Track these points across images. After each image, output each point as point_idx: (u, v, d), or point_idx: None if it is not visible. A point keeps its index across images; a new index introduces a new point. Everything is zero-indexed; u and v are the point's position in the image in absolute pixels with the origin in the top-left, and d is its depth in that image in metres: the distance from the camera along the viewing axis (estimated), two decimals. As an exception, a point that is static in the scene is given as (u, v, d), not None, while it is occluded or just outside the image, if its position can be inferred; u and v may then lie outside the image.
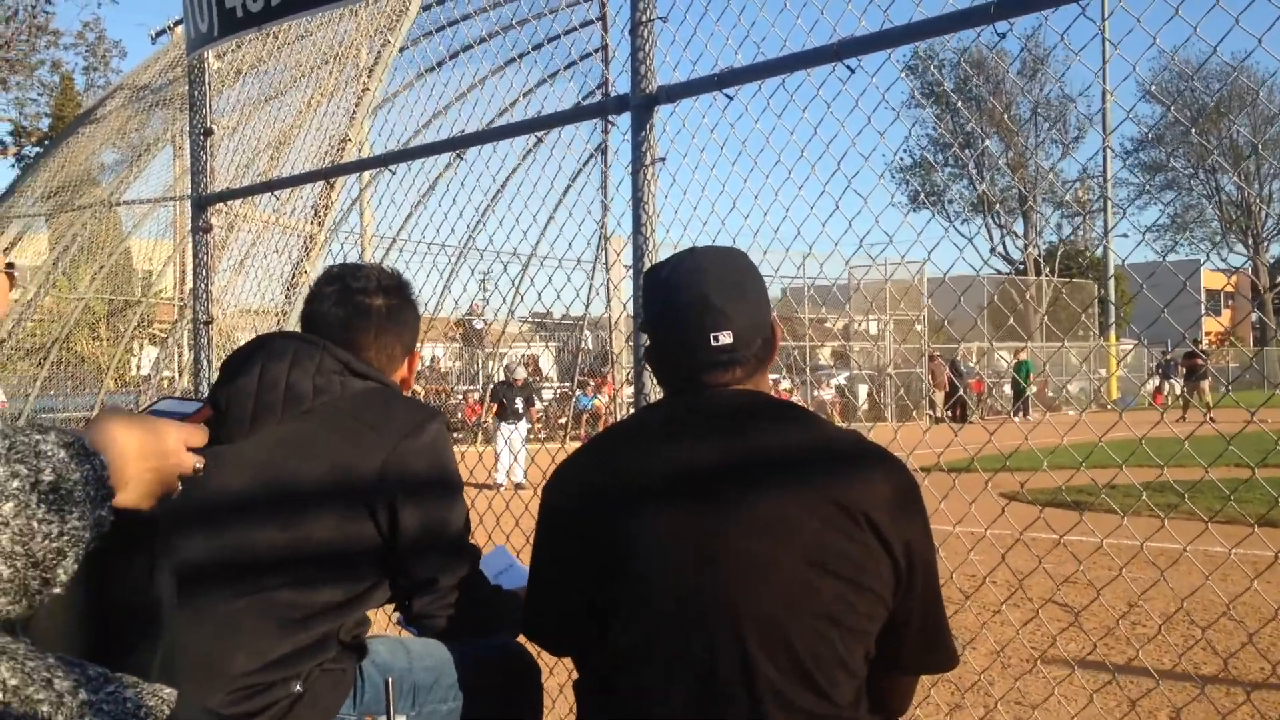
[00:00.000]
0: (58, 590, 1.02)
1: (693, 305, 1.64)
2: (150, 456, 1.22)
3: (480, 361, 20.89)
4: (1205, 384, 22.57)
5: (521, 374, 14.95)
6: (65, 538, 1.01)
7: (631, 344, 3.06)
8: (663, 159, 2.93)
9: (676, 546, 1.55)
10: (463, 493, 2.04)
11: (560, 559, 1.68)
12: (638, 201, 2.91)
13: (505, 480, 13.27)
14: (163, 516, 1.32)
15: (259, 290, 5.69)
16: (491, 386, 15.92)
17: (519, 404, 14.19)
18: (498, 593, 2.09)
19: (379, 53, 6.04)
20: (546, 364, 22.75)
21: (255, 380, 1.92)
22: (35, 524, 0.98)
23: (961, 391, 18.74)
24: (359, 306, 2.08)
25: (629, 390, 13.02)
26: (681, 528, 1.55)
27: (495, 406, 14.38)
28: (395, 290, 2.14)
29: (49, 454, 1.02)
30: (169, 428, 1.27)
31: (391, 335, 2.11)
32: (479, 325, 20.60)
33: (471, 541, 2.04)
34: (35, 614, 1.22)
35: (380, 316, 2.10)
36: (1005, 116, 36.07)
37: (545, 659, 2.02)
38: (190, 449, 1.31)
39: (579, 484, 1.70)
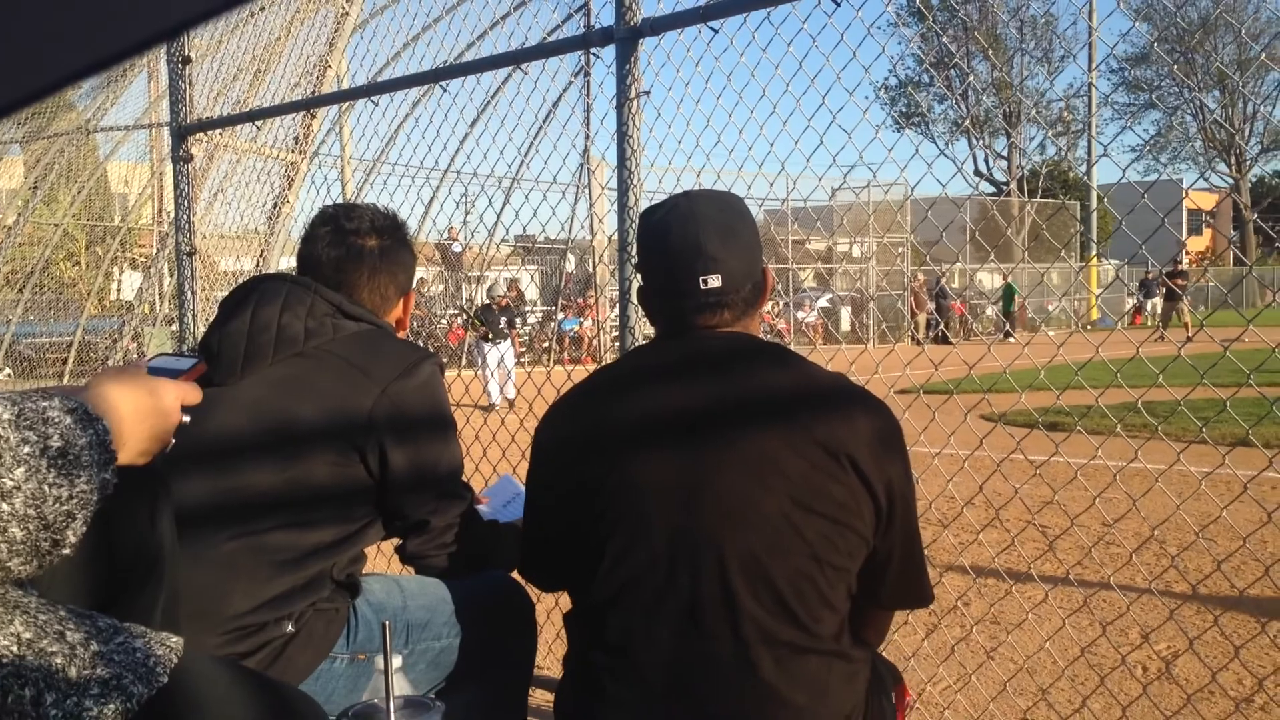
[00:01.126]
0: (67, 551, 1.05)
1: (684, 249, 1.67)
2: (148, 416, 1.25)
3: (460, 285, 20.81)
4: (1184, 304, 22.71)
5: (501, 291, 15.02)
6: (74, 500, 1.04)
7: (615, 273, 3.07)
8: (647, 92, 2.93)
9: (664, 486, 1.59)
10: (455, 433, 2.05)
11: (552, 499, 1.73)
12: (622, 135, 2.91)
13: (500, 399, 13.47)
14: (175, 456, 1.35)
15: (240, 217, 5.66)
16: (474, 308, 15.98)
17: (502, 324, 14.29)
18: (493, 530, 2.13)
19: (358, -25, 5.95)
20: (529, 288, 22.70)
21: (246, 323, 1.93)
22: (46, 488, 1.00)
23: (942, 320, 18.86)
24: (352, 248, 2.08)
25: (614, 313, 13.05)
26: (669, 468, 1.60)
27: (479, 326, 14.47)
28: (389, 231, 2.14)
29: (55, 420, 1.04)
30: (165, 386, 1.29)
31: (385, 276, 2.11)
32: (457, 249, 20.48)
33: (464, 481, 2.07)
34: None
35: (373, 257, 2.09)
36: (991, 39, 35.72)
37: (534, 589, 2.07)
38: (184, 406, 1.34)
39: (570, 425, 1.74)
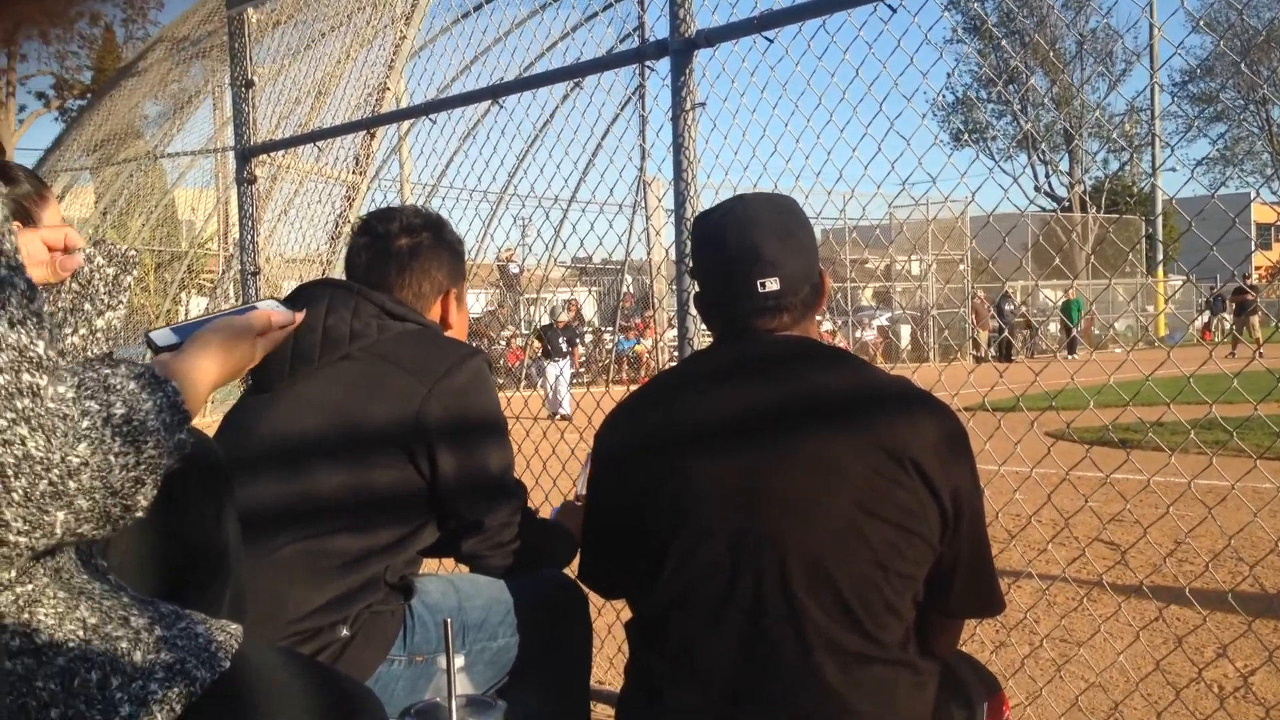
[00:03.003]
0: (140, 514, 1.05)
1: (741, 252, 1.65)
2: (227, 376, 1.29)
3: (522, 307, 20.96)
4: (1255, 319, 22.21)
5: (564, 316, 15.51)
6: (142, 466, 1.03)
7: (674, 288, 3.06)
8: (703, 104, 2.92)
9: (726, 490, 1.57)
10: (506, 431, 2.04)
11: (612, 504, 1.71)
12: (678, 147, 2.90)
13: (557, 411, 13.95)
14: (230, 461, 1.36)
15: (303, 239, 5.75)
16: (536, 329, 16.58)
17: (562, 343, 15.12)
18: (545, 528, 2.11)
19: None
20: (589, 309, 22.79)
21: None
22: (111, 458, 1.00)
23: (1006, 332, 18.62)
24: (382, 248, 2.09)
25: (671, 334, 13.09)
26: (730, 471, 1.57)
27: (541, 346, 15.31)
28: (421, 229, 2.13)
29: (118, 387, 1.04)
30: (250, 353, 1.32)
31: (417, 273, 2.10)
32: (514, 270, 20.65)
33: (517, 479, 2.05)
34: (115, 548, 1.26)
35: (402, 256, 2.09)
36: (1050, 52, 35.36)
37: (595, 599, 2.05)
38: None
39: (630, 430, 1.72)
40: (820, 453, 1.55)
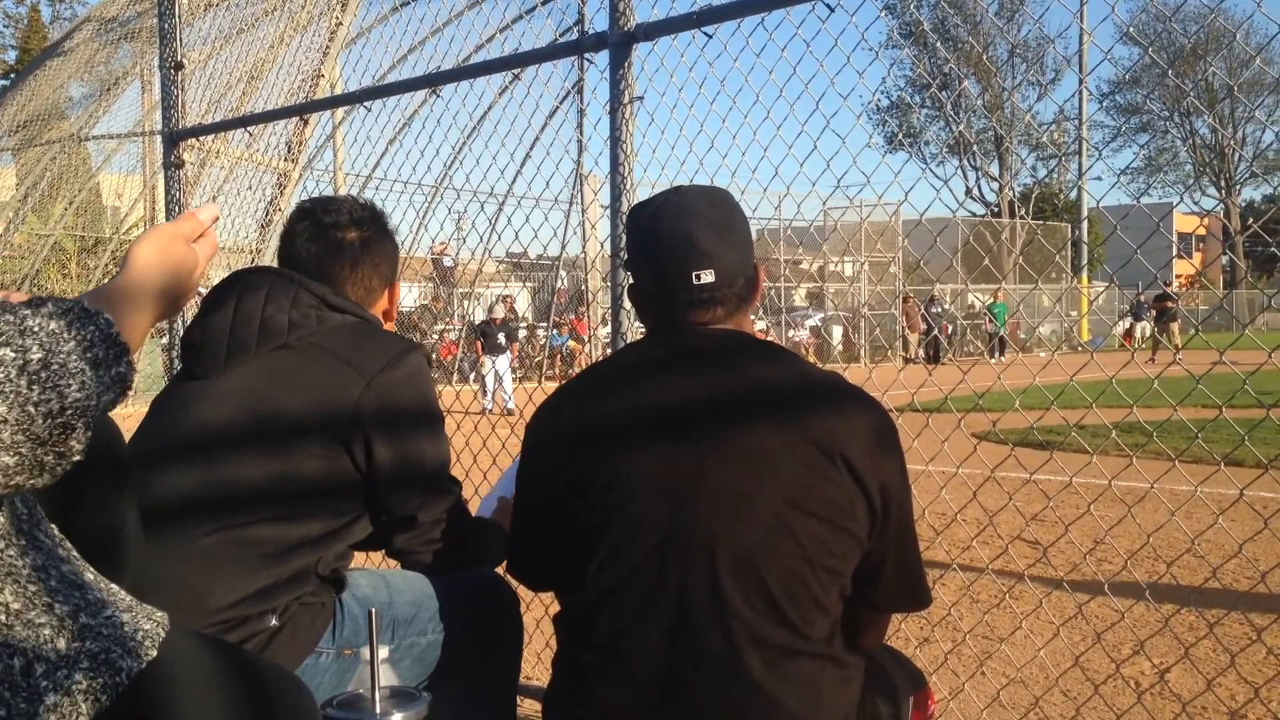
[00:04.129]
0: (78, 458, 1.00)
1: (676, 244, 1.64)
2: (169, 287, 1.25)
3: (456, 301, 20.83)
4: (1175, 325, 22.76)
5: (500, 312, 16.22)
6: (70, 412, 0.98)
7: (608, 283, 3.06)
8: (641, 98, 2.91)
9: (656, 483, 1.56)
10: (443, 427, 2.02)
11: (542, 496, 1.70)
12: (615, 140, 2.89)
13: (492, 405, 14.68)
14: (134, 451, 1.32)
15: (233, 227, 5.64)
16: (474, 325, 16.85)
17: (501, 338, 15.28)
18: (481, 526, 2.10)
19: (352, -14, 5.94)
20: (523, 304, 22.71)
21: (230, 316, 1.91)
22: (31, 409, 0.95)
23: (935, 332, 18.89)
24: (332, 241, 2.06)
25: (605, 330, 13.09)
26: (661, 464, 1.57)
27: (479, 342, 15.62)
28: (369, 222, 2.11)
29: (35, 330, 0.98)
30: (188, 254, 1.28)
31: (368, 268, 2.09)
32: (449, 264, 20.51)
33: (452, 475, 2.04)
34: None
35: (354, 250, 2.07)
36: (983, 57, 35.95)
37: (524, 592, 2.03)
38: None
39: (560, 422, 1.71)
40: (751, 447, 1.55)
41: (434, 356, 18.89)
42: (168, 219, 4.35)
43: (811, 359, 20.07)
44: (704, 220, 1.65)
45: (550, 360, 20.15)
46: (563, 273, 22.08)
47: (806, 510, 1.53)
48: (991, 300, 23.82)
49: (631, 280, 1.76)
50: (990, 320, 22.53)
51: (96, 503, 1.30)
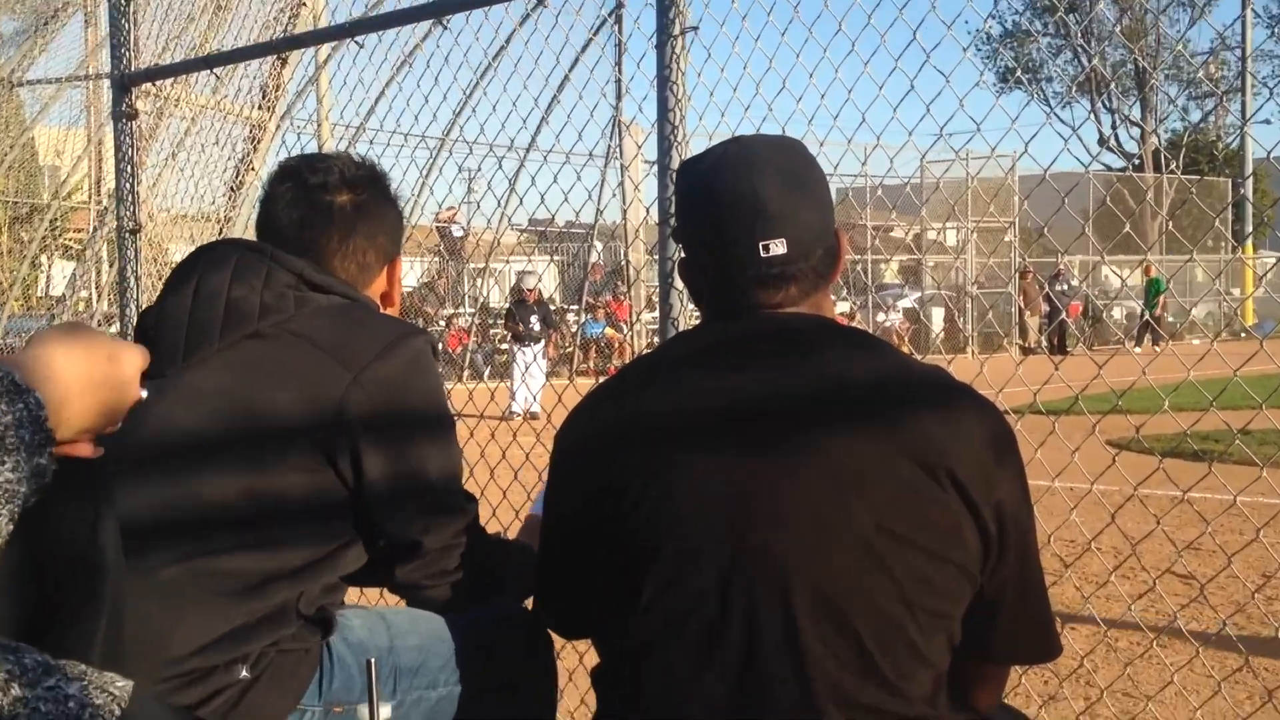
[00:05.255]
0: None
1: (739, 206, 1.63)
2: (100, 387, 1.23)
3: (467, 279, 20.90)
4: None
5: (531, 283, 15.20)
6: None
7: (654, 257, 3.05)
8: (695, 28, 2.91)
9: (715, 502, 1.56)
10: (452, 430, 2.02)
11: (575, 519, 1.70)
12: (663, 81, 2.89)
13: (522, 409, 13.50)
14: (107, 458, 1.33)
15: (196, 190, 5.70)
16: (506, 306, 16.20)
17: (534, 323, 14.50)
18: (502, 551, 2.10)
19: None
20: (550, 283, 22.78)
21: (189, 299, 1.92)
22: None
23: (1062, 316, 18.73)
24: (318, 206, 2.06)
25: (651, 315, 13.05)
26: (721, 480, 1.56)
27: (514, 325, 14.71)
28: (364, 183, 2.12)
29: None
30: (125, 350, 1.28)
31: (362, 239, 2.09)
32: (458, 233, 20.46)
33: (465, 491, 2.04)
34: None
35: (345, 216, 2.07)
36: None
37: (557, 638, 2.04)
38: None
39: (598, 428, 1.71)
40: (833, 460, 1.54)
41: (440, 348, 18.96)
42: (117, 183, 4.40)
43: (906, 349, 20.00)
44: (773, 176, 1.64)
45: (584, 352, 20.16)
46: (598, 244, 22.12)
47: (904, 539, 1.51)
48: (1145, 277, 23.56)
49: (683, 253, 1.75)
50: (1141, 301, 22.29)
51: (74, 527, 1.32)
